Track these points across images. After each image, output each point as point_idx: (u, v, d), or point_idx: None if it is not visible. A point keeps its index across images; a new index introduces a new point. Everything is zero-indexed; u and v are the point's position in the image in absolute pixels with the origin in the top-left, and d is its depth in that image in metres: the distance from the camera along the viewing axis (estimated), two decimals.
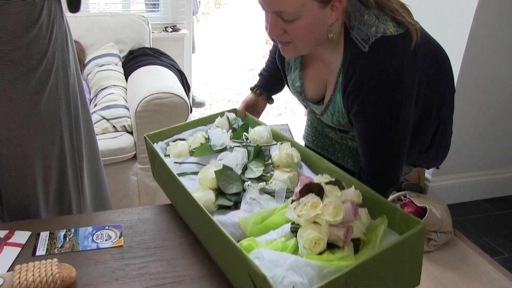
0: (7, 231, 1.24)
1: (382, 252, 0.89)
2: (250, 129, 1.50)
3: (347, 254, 0.92)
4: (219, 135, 1.39)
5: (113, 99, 2.34)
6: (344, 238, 0.93)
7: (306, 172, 1.27)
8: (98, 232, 1.26)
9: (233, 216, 1.14)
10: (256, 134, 1.39)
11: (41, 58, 1.24)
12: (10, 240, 1.20)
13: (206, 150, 1.37)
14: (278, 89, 1.63)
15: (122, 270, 1.12)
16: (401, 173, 1.27)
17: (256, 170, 1.22)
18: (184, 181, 1.31)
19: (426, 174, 2.81)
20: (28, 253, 1.17)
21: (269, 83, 1.60)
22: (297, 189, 0.98)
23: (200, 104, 4.30)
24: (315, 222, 0.94)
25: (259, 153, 1.33)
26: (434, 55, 1.28)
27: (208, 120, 1.57)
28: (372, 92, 1.10)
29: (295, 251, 0.97)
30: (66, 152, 1.41)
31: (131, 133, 2.29)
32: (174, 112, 2.22)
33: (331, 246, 0.95)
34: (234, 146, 1.37)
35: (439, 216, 2.38)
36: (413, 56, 1.13)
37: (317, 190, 0.98)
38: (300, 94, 1.37)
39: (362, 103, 1.13)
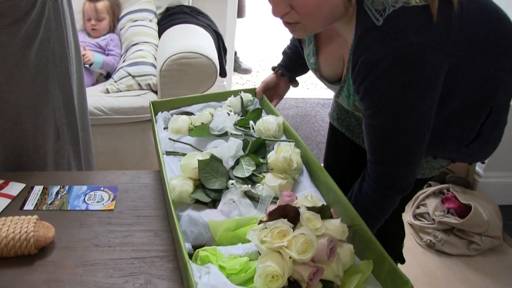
0: (2, 181, 1.19)
1: None
2: (263, 114, 1.33)
3: None
4: (222, 117, 1.23)
5: (141, 56, 2.22)
6: (308, 281, 0.76)
7: (305, 181, 1.10)
8: (92, 193, 1.18)
9: (207, 215, 0.99)
10: (264, 124, 1.22)
11: (29, 9, 1.11)
12: (2, 191, 1.16)
13: (203, 132, 1.22)
14: (303, 70, 1.40)
15: (105, 236, 1.05)
16: (414, 178, 1.03)
17: (246, 168, 1.06)
18: (172, 161, 1.17)
19: (476, 168, 2.45)
20: (16, 206, 1.12)
21: (293, 62, 1.39)
22: (270, 209, 0.82)
23: (246, 71, 4.13)
24: (279, 253, 0.78)
25: (260, 148, 1.16)
26: (488, 20, 1.00)
27: (223, 96, 1.42)
28: (382, 75, 0.88)
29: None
30: (62, 108, 1.31)
31: (156, 92, 2.17)
32: (200, 74, 2.06)
33: (293, 285, 0.78)
34: (235, 134, 1.21)
35: (486, 217, 2.07)
36: (441, 32, 0.88)
37: (293, 215, 0.82)
38: (316, 71, 1.17)
39: (370, 87, 0.91)
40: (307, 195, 0.90)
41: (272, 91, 1.44)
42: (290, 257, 0.76)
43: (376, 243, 0.85)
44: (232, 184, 1.02)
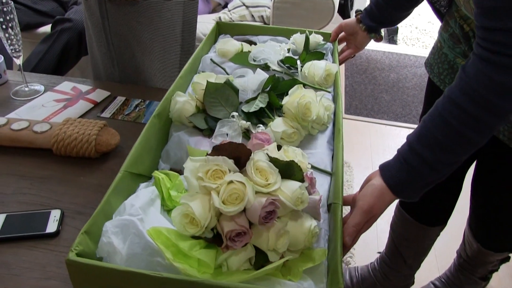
0: (90, 87, 1.24)
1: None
2: (325, 61, 1.13)
3: (208, 259, 0.59)
4: (268, 48, 1.06)
5: None
6: (226, 239, 0.60)
7: (321, 140, 0.89)
8: None
9: (196, 142, 0.86)
10: (310, 68, 1.02)
11: None
12: (88, 96, 1.21)
13: (243, 59, 1.06)
14: (389, 20, 1.14)
15: None
16: None
17: (255, 104, 0.89)
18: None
19: None
20: (96, 112, 1.15)
21: (380, 9, 1.12)
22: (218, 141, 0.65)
23: None
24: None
25: (290, 85, 0.97)
26: None
27: (292, 33, 1.23)
28: None
29: None
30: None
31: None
32: (316, 9, 1.85)
33: (215, 240, 0.62)
34: (275, 70, 1.04)
35: None
36: None
37: (245, 159, 0.64)
38: None
39: None
40: (288, 147, 0.72)
41: (352, 38, 1.21)
42: (213, 204, 0.60)
43: (338, 229, 0.64)
44: (233, 116, 0.87)
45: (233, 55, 1.08)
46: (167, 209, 0.71)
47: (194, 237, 0.62)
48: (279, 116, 0.90)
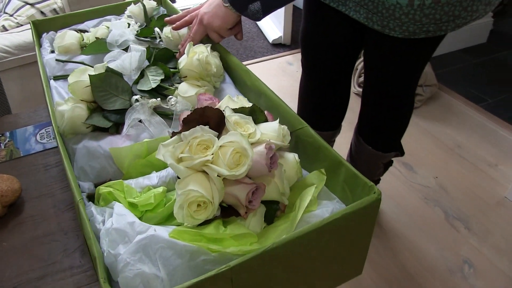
0: None
1: (306, 234, 0.49)
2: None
3: (245, 230, 0.52)
4: (121, 29, 0.93)
5: None
6: (246, 203, 0.52)
7: (229, 88, 0.84)
8: (43, 130, 0.94)
9: (108, 143, 0.72)
10: (173, 32, 0.93)
11: None
12: None
13: (100, 48, 0.91)
14: None
15: None
16: None
17: (152, 79, 0.78)
18: (62, 87, 0.87)
19: None
20: None
21: None
22: (183, 116, 0.56)
23: None
24: (204, 172, 0.53)
25: (170, 59, 0.88)
26: None
27: (122, 8, 1.10)
28: None
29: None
30: None
31: None
32: None
33: (227, 213, 0.54)
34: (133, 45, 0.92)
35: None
36: None
37: (216, 121, 0.56)
38: None
39: None
40: (231, 96, 0.65)
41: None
42: (218, 175, 0.52)
43: (326, 146, 0.62)
44: (137, 100, 0.74)
45: (88, 46, 0.91)
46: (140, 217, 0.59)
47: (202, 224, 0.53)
48: (177, 83, 0.81)
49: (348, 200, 0.60)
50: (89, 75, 0.74)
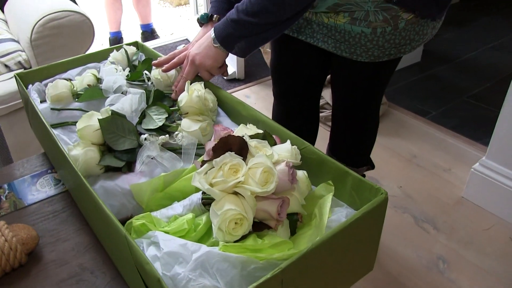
0: None
1: (335, 235, 0.56)
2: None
3: (281, 239, 0.58)
4: (113, 75, 0.98)
5: None
6: (277, 216, 0.59)
7: (225, 121, 0.91)
8: (41, 179, 0.96)
9: (124, 182, 0.76)
10: (162, 74, 1.00)
11: None
12: None
13: (95, 94, 0.96)
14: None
15: None
16: None
17: (156, 118, 0.84)
18: (63, 134, 0.90)
19: None
20: None
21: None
22: (209, 146, 0.62)
23: None
24: (236, 193, 0.60)
25: (163, 98, 0.94)
26: None
27: (102, 55, 1.15)
28: None
29: (208, 233, 0.62)
30: None
31: (30, 69, 1.76)
32: (77, 33, 1.70)
33: (259, 227, 0.61)
34: (131, 89, 0.97)
35: None
36: None
37: (239, 146, 0.63)
38: None
39: None
40: (244, 125, 0.72)
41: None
42: (251, 193, 0.58)
43: (330, 160, 0.71)
44: (146, 138, 0.80)
45: (83, 94, 0.95)
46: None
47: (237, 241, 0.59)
48: (178, 120, 0.87)
49: (356, 205, 0.68)
50: (98, 119, 0.79)
